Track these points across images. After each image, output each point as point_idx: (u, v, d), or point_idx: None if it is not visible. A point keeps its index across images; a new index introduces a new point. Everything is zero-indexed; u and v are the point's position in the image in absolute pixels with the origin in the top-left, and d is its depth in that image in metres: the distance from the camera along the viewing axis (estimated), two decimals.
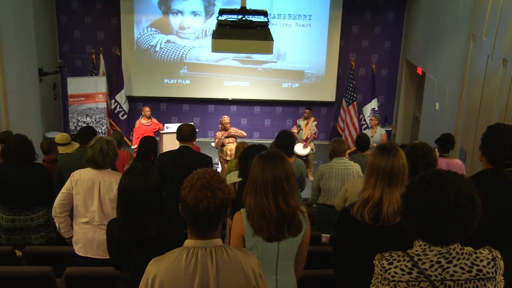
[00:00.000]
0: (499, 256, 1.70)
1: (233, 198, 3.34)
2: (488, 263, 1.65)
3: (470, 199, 1.56)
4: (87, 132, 4.63)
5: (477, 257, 1.65)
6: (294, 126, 9.09)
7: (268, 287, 2.34)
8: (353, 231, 2.31)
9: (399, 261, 1.68)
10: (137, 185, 2.41)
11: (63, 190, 3.51)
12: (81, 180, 3.45)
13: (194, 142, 4.63)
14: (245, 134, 8.22)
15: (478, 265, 1.64)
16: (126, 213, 2.45)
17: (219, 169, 8.47)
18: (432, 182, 1.59)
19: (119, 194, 2.48)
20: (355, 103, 10.00)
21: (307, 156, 8.75)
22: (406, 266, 1.66)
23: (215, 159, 8.48)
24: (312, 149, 8.83)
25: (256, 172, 2.34)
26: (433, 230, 1.59)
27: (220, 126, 8.19)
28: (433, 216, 1.56)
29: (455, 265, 1.62)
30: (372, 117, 8.71)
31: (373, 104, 9.95)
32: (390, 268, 1.69)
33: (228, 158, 7.80)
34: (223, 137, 7.92)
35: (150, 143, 4.70)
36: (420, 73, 9.16)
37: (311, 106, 9.26)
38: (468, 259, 1.64)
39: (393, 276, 1.67)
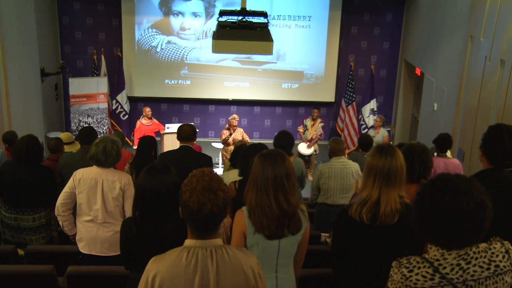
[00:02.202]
0: (511, 247, 1.72)
1: (233, 197, 3.38)
2: (503, 257, 1.67)
3: (482, 205, 1.57)
4: (87, 133, 4.65)
5: (493, 253, 1.67)
6: (301, 126, 9.12)
7: (269, 284, 2.35)
8: (352, 231, 2.33)
9: (419, 267, 1.67)
10: (157, 184, 2.38)
11: (66, 189, 3.54)
12: (84, 179, 3.48)
13: (195, 142, 4.67)
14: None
15: (495, 261, 1.65)
16: (144, 212, 2.42)
17: (221, 168, 8.53)
18: (444, 191, 1.59)
19: (137, 193, 2.45)
20: (354, 103, 10.02)
21: (309, 156, 8.80)
22: (427, 272, 1.65)
23: (215, 159, 8.53)
24: (315, 150, 8.88)
25: (257, 170, 2.35)
26: (446, 237, 1.61)
27: (227, 125, 8.26)
28: (446, 225, 1.58)
29: (474, 265, 1.63)
30: (377, 118, 8.73)
31: (372, 104, 9.96)
32: (411, 276, 1.67)
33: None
34: (227, 137, 7.98)
35: (150, 141, 4.74)
36: (419, 74, 9.17)
37: (319, 106, 9.38)
38: (485, 256, 1.65)
39: (415, 284, 1.65)
